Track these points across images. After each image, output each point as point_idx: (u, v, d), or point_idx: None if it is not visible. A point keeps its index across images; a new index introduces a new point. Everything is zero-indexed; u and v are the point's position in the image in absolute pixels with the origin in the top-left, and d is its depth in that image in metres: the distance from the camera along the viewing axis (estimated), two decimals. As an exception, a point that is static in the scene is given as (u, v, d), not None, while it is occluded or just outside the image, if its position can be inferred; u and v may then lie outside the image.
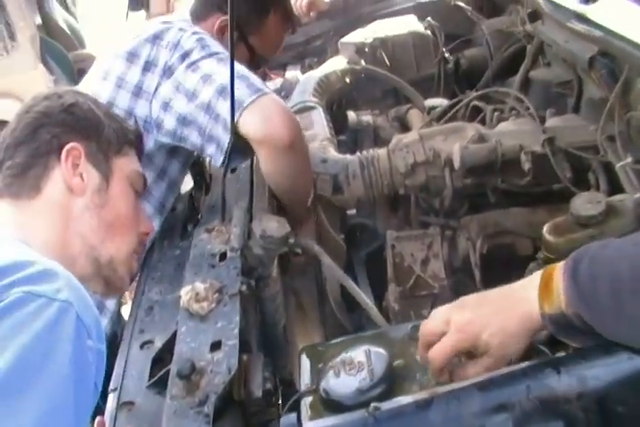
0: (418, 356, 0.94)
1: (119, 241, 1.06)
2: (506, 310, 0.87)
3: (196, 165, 1.61)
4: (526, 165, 1.40)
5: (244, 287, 1.12)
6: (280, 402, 1.02)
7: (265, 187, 1.49)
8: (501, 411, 0.77)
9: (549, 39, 1.73)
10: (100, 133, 1.10)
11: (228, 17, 1.29)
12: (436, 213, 1.54)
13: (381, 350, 0.96)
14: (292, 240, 1.27)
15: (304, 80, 2.00)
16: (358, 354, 0.95)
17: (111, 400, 1.04)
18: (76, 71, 3.89)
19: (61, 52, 4.05)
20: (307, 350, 1.03)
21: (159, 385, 1.03)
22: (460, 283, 1.34)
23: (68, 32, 4.35)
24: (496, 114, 1.73)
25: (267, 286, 1.27)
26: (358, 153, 1.55)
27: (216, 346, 1.02)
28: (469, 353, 0.89)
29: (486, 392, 0.80)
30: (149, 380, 1.05)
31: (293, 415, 0.80)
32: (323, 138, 1.64)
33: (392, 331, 1.04)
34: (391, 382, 0.91)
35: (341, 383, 0.91)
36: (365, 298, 1.20)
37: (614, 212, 1.13)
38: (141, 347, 1.13)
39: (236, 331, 1.04)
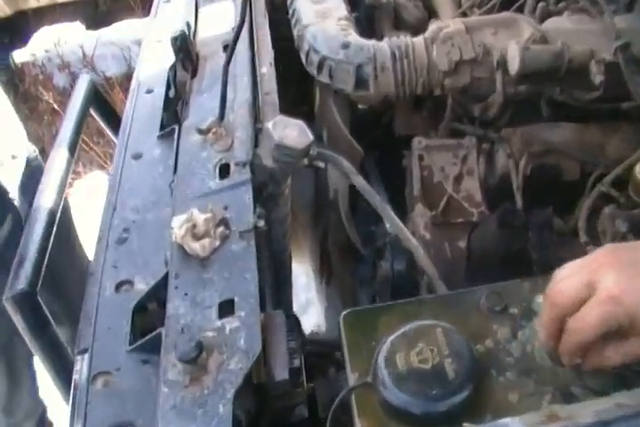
0: (539, 329, 0.66)
1: None
2: None
3: (177, 38, 1.18)
4: (597, 78, 1.06)
5: (261, 223, 0.78)
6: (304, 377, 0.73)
7: (273, 71, 1.10)
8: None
9: None
10: None
11: None
12: (472, 120, 1.20)
13: (457, 333, 0.67)
14: (313, 152, 0.92)
15: (308, -63, 1.52)
16: (426, 335, 0.66)
17: (80, 367, 0.72)
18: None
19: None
20: (349, 317, 0.72)
21: (145, 349, 0.72)
22: (506, 212, 1.04)
23: None
24: (541, 4, 1.34)
25: (276, 205, 0.94)
26: (387, 39, 1.16)
27: (227, 308, 0.70)
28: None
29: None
30: (131, 342, 0.73)
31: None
32: (340, 16, 1.22)
33: (460, 297, 0.74)
34: (475, 382, 0.64)
35: (408, 382, 0.63)
36: (405, 229, 0.88)
37: None
38: (117, 289, 0.80)
39: (254, 287, 0.72)
